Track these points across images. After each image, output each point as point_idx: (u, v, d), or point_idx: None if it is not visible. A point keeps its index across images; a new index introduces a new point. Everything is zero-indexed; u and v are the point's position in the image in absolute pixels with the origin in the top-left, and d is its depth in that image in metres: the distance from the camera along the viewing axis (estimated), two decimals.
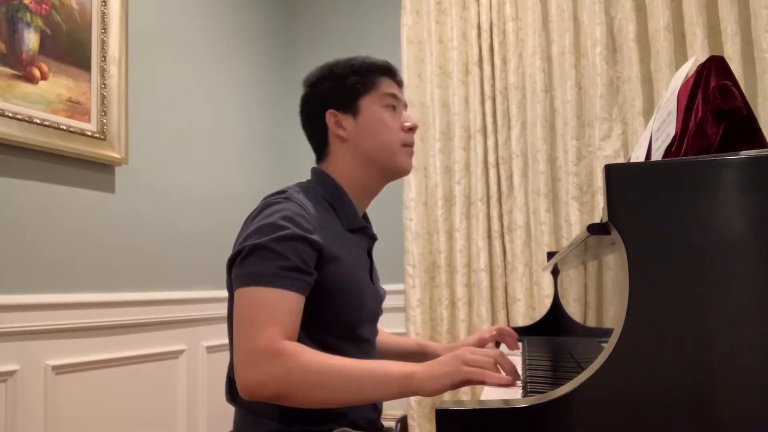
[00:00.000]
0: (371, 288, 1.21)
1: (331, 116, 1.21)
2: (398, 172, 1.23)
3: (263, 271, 0.99)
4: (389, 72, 1.24)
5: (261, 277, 0.99)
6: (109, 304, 1.92)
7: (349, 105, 1.21)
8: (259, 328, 0.96)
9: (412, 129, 1.23)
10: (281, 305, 0.98)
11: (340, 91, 1.21)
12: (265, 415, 1.08)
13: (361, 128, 1.20)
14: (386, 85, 1.23)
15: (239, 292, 1.01)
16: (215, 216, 2.44)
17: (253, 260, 1.01)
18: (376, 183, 1.24)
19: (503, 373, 0.94)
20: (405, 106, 1.27)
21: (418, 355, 1.43)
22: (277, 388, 0.95)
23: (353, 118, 1.21)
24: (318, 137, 1.24)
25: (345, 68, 1.22)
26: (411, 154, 1.24)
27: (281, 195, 1.11)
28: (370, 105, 1.21)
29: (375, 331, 1.27)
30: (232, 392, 1.13)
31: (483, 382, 0.92)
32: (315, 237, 1.05)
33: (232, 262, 1.06)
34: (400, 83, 1.27)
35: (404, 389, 0.94)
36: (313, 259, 1.04)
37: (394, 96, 1.23)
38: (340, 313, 1.11)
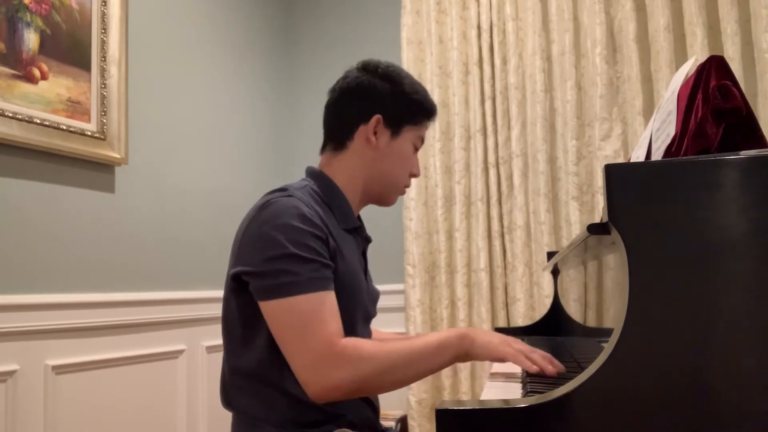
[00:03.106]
0: (367, 287, 1.22)
1: (376, 120, 1.19)
2: (385, 203, 1.27)
3: (296, 280, 1.00)
4: (433, 118, 1.27)
5: (296, 285, 1.00)
6: (109, 304, 1.92)
7: (395, 123, 1.21)
8: (315, 336, 0.98)
9: (415, 176, 1.27)
10: (324, 307, 1.00)
11: (398, 105, 1.20)
12: (263, 420, 1.07)
13: (389, 150, 1.21)
14: (425, 128, 1.26)
15: (277, 304, 1.00)
16: (215, 216, 2.44)
17: (282, 269, 1.00)
18: (365, 198, 1.25)
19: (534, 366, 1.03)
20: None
21: None
22: (350, 388, 0.99)
23: (390, 136, 1.21)
24: (347, 125, 1.21)
25: (412, 89, 1.22)
26: (403, 193, 1.28)
27: (283, 193, 1.10)
28: (408, 137, 1.22)
29: (369, 332, 1.27)
30: (227, 397, 1.13)
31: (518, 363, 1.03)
32: (323, 232, 1.06)
33: (241, 271, 1.04)
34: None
35: (458, 353, 1.03)
36: (327, 253, 1.06)
37: (423, 141, 1.27)
38: (340, 310, 1.10)
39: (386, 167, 1.21)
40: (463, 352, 1.03)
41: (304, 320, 0.98)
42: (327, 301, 1.01)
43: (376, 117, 1.19)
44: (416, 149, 1.26)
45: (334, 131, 1.23)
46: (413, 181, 2.63)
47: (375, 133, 1.19)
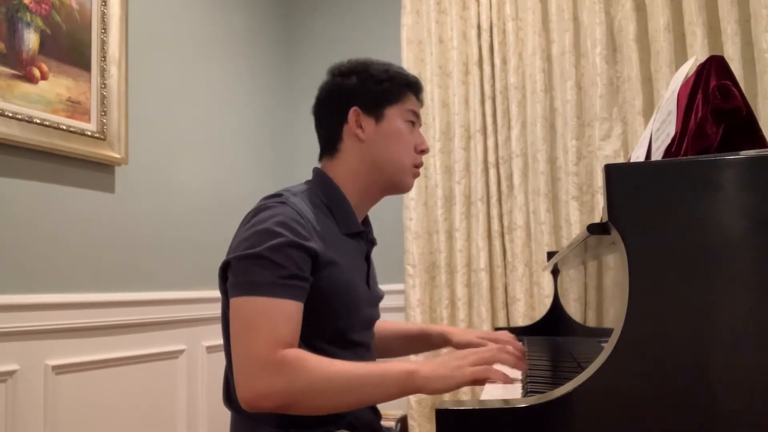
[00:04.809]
0: (367, 293, 1.20)
1: (354, 113, 1.19)
2: (400, 188, 1.24)
3: (260, 281, 0.98)
4: (417, 89, 1.25)
5: (258, 286, 0.98)
6: (109, 304, 1.92)
7: (374, 108, 1.20)
8: (259, 339, 0.95)
9: (424, 151, 1.24)
10: (280, 314, 0.97)
11: (370, 93, 1.20)
12: (262, 420, 1.07)
13: (379, 135, 1.20)
14: (411, 102, 1.24)
15: (236, 301, 1.00)
16: (215, 216, 2.44)
17: (249, 269, 1.00)
18: (376, 191, 1.23)
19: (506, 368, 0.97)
20: (420, 125, 1.28)
21: (421, 339, 1.45)
22: (280, 400, 0.94)
23: (375, 122, 1.20)
24: (332, 130, 1.22)
25: (380, 71, 1.21)
26: (417, 175, 1.25)
27: (277, 199, 1.10)
28: (394, 115, 1.21)
29: (371, 336, 1.26)
30: (228, 396, 1.12)
31: (488, 379, 0.95)
32: (310, 243, 1.04)
33: (225, 269, 1.06)
34: (422, 102, 1.28)
35: (406, 388, 0.95)
36: (308, 266, 1.04)
37: (416, 114, 1.24)
38: (334, 318, 1.10)
39: (382, 152, 1.20)
40: (413, 388, 0.95)
41: (253, 321, 0.96)
42: (285, 308, 0.98)
43: (353, 110, 1.19)
44: (413, 123, 1.24)
45: (324, 141, 1.25)
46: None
47: (360, 126, 1.20)
